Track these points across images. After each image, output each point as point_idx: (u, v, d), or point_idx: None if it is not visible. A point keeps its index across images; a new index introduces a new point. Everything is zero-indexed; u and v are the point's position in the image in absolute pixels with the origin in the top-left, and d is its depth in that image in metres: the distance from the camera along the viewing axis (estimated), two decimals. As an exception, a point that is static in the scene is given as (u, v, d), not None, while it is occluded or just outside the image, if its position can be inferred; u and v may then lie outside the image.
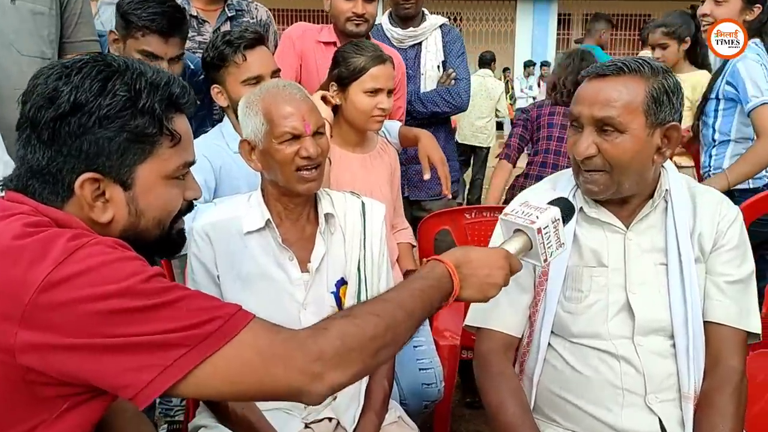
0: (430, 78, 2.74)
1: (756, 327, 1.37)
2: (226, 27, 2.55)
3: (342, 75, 1.96)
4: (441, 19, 2.78)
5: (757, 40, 2.35)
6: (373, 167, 2.09)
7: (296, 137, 1.45)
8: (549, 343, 1.42)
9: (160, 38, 1.95)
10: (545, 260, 1.16)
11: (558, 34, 15.31)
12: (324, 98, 1.99)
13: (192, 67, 2.25)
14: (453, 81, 2.66)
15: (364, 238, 1.59)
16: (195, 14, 2.52)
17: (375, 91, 1.95)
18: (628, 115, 1.28)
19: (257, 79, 1.90)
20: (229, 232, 1.51)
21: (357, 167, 2.04)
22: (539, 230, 1.13)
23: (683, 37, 3.17)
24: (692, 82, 2.94)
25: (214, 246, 1.50)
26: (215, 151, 1.91)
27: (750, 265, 1.39)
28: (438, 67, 2.72)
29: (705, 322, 1.35)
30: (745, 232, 1.41)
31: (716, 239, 1.38)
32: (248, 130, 1.49)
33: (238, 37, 1.93)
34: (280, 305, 1.49)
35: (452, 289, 1.07)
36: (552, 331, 1.42)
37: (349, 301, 1.52)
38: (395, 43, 2.77)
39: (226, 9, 2.55)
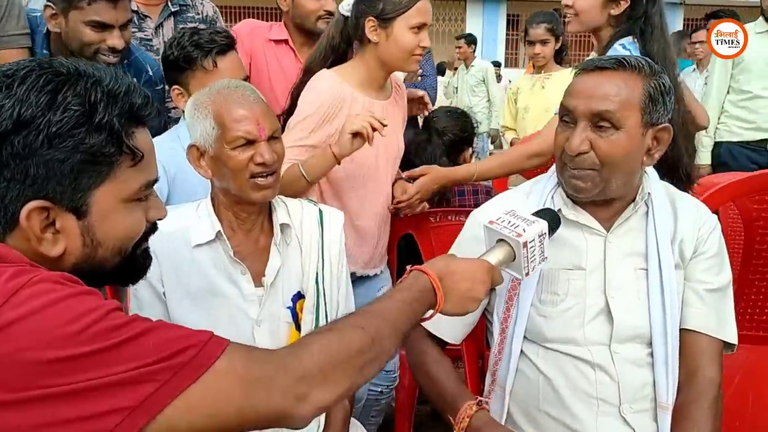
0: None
1: (732, 337, 1.34)
2: (170, 23, 2.43)
3: (386, 10, 1.81)
4: None
5: (628, 40, 1.93)
6: (393, 115, 1.98)
7: (250, 142, 1.34)
8: (522, 350, 1.35)
9: (109, 4, 1.79)
10: (527, 274, 1.12)
11: (507, 35, 15.50)
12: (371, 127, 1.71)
13: (150, 73, 2.07)
14: (419, 78, 2.62)
15: (322, 248, 1.49)
16: (135, 9, 2.37)
17: (420, 27, 1.83)
18: (626, 111, 1.23)
19: None
20: (175, 245, 1.39)
21: (379, 116, 1.85)
22: (525, 244, 1.08)
23: (558, 36, 3.19)
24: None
25: (160, 260, 1.37)
26: (170, 155, 1.74)
27: (728, 274, 1.36)
28: None
29: (682, 330, 1.31)
30: (723, 240, 1.38)
31: (697, 246, 1.34)
32: (197, 135, 1.37)
33: (209, 40, 1.78)
34: (232, 323, 1.38)
35: (435, 302, 1.04)
36: (525, 337, 1.35)
37: (306, 316, 1.42)
38: None
39: (170, 4, 2.41)
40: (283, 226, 1.44)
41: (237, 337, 1.36)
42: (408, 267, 1.08)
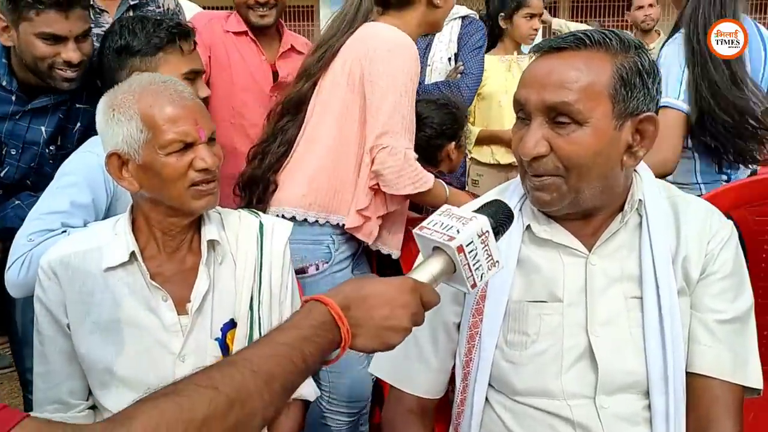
0: (436, 70, 2.52)
1: (755, 380, 1.06)
2: (129, 18, 2.25)
3: None
4: (464, 10, 2.53)
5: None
6: None
7: (188, 146, 1.16)
8: (487, 400, 1.11)
9: (59, 14, 1.62)
10: (473, 285, 0.88)
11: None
12: None
13: None
14: (458, 75, 2.42)
15: (261, 267, 1.29)
16: (92, 3, 2.19)
17: None
18: (589, 102, 0.97)
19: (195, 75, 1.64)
20: (84, 269, 1.20)
21: None
22: (460, 248, 0.85)
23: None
24: None
25: (64, 287, 1.19)
26: None
27: (748, 298, 1.08)
28: (449, 60, 2.50)
29: (689, 374, 1.05)
30: (741, 254, 1.10)
31: (705, 264, 1.07)
32: (118, 140, 1.16)
33: (175, 24, 1.64)
34: (150, 359, 1.19)
35: (339, 338, 0.81)
36: (491, 385, 1.11)
37: (237, 348, 1.22)
38: None
39: (128, -3, 2.23)
40: (213, 243, 1.25)
41: (156, 376, 1.19)
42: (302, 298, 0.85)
